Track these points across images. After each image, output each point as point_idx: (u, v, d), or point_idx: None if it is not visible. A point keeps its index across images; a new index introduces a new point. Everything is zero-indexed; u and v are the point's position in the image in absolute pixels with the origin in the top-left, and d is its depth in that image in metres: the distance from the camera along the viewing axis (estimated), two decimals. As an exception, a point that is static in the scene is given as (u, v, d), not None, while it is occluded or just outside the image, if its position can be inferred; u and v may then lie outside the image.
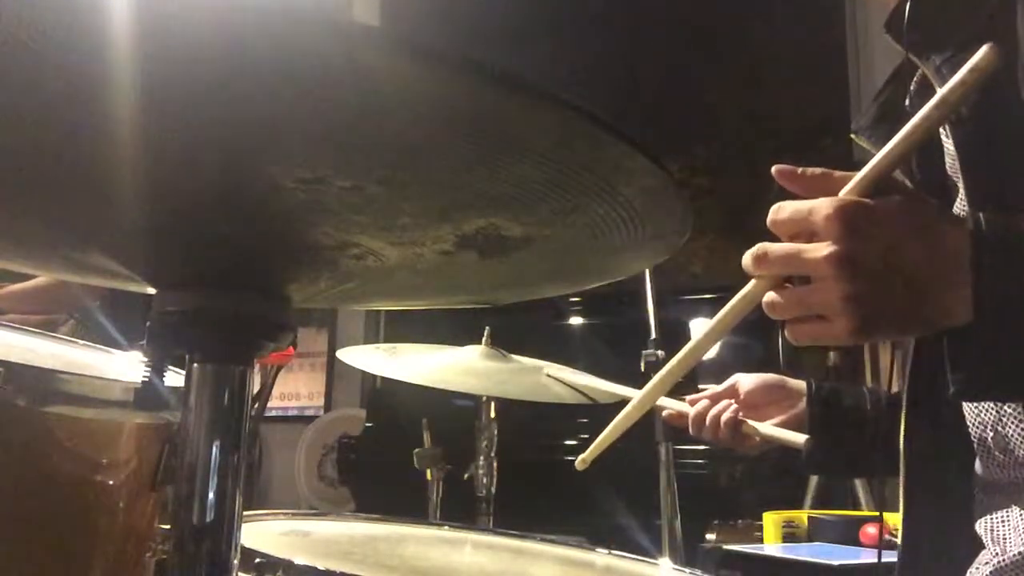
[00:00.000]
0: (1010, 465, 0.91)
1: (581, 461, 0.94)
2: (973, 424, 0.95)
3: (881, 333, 0.73)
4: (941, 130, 0.88)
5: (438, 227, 0.50)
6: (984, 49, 0.66)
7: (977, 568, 0.96)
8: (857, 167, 0.75)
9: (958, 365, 0.68)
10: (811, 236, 0.68)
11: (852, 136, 1.00)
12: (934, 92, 0.73)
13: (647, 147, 0.42)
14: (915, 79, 0.95)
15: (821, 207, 0.67)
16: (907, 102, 0.95)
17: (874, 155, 0.72)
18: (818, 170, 0.72)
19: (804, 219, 0.68)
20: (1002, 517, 0.94)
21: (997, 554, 0.93)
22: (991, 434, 0.94)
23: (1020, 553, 0.90)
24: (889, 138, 0.73)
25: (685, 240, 0.55)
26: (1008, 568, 0.91)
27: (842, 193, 0.69)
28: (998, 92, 0.78)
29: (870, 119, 0.98)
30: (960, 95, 0.67)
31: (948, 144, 0.92)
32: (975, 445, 0.96)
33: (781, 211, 0.70)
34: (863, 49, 3.72)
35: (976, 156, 0.84)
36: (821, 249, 0.66)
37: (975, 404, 0.94)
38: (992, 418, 0.93)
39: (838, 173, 0.72)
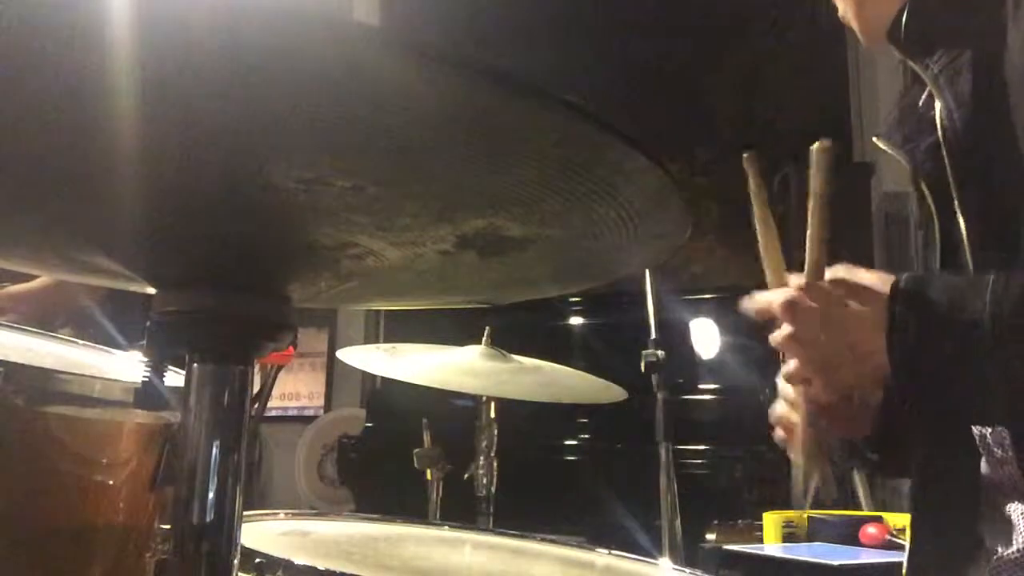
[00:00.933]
0: (1009, 461, 0.91)
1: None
2: (991, 432, 0.96)
3: (850, 386, 0.87)
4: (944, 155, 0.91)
5: (438, 227, 0.50)
6: (816, 147, 0.87)
7: (979, 566, 0.96)
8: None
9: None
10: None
11: (873, 139, 1.03)
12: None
13: (647, 147, 0.42)
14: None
15: (775, 300, 0.87)
16: (920, 104, 0.97)
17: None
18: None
19: (769, 310, 0.87)
20: (1005, 516, 0.94)
21: (999, 552, 0.93)
22: (989, 430, 0.95)
23: (1020, 550, 0.91)
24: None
25: (685, 240, 0.55)
26: (1008, 564, 0.92)
27: (804, 278, 0.88)
28: (991, 121, 0.85)
29: (891, 123, 1.02)
30: (822, 183, 0.87)
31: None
32: (977, 443, 0.96)
33: (754, 302, 0.89)
34: (863, 49, 3.72)
35: (970, 184, 0.89)
36: (782, 331, 0.86)
37: None
38: None
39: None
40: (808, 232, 0.90)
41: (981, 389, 0.78)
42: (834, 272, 0.88)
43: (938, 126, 0.90)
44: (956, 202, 0.89)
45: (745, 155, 0.94)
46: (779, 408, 0.99)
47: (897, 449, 1.21)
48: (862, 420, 1.12)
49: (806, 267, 0.90)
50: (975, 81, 0.87)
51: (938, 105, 0.91)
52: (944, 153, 0.90)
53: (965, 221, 0.89)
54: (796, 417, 0.97)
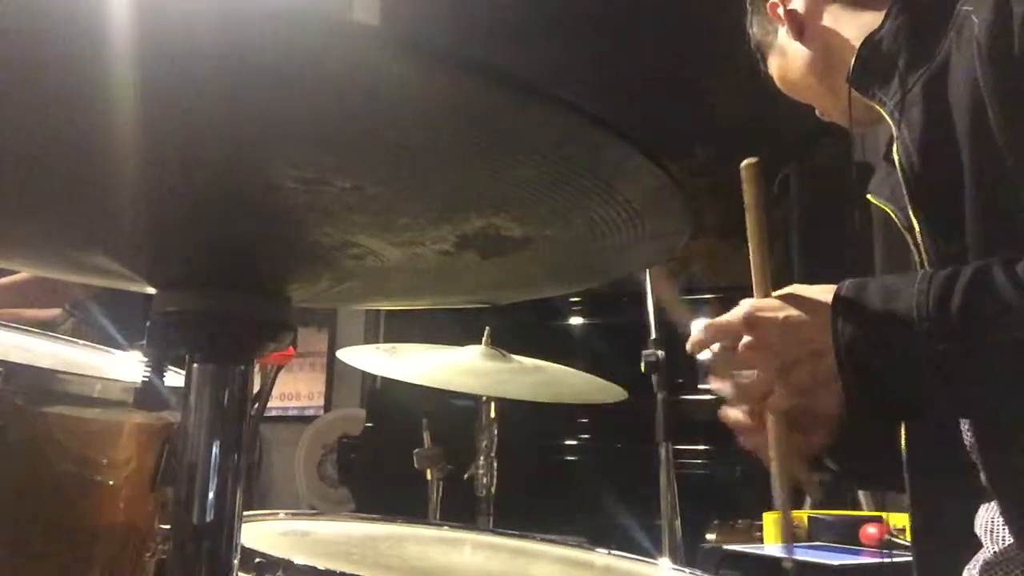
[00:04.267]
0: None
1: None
2: (965, 431, 0.97)
3: (808, 390, 0.90)
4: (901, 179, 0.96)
5: (438, 227, 0.50)
6: (744, 164, 0.94)
7: (975, 564, 0.97)
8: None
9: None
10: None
11: (868, 196, 1.09)
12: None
13: (647, 147, 0.42)
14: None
15: (736, 317, 0.94)
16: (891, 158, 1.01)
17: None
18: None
19: (732, 328, 0.94)
20: (1003, 520, 0.95)
21: (994, 551, 0.94)
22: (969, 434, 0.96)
23: (1009, 546, 0.92)
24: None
25: (685, 240, 0.55)
26: (999, 558, 0.93)
27: (755, 290, 0.97)
28: (940, 147, 0.90)
29: (878, 180, 1.07)
30: (753, 196, 0.95)
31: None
32: (970, 452, 0.97)
33: (714, 324, 0.96)
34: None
35: (923, 199, 0.95)
36: (744, 344, 0.92)
37: None
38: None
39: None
40: (750, 245, 0.98)
41: (918, 381, 0.82)
42: (786, 289, 0.96)
43: (895, 158, 0.93)
44: (916, 229, 0.93)
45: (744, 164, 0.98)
46: (732, 411, 1.04)
47: (856, 457, 1.25)
48: (822, 433, 1.15)
49: (754, 279, 0.98)
50: (925, 109, 0.91)
51: (895, 138, 0.94)
52: (902, 184, 0.93)
53: (923, 243, 0.94)
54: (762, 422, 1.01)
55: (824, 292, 0.90)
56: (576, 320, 3.76)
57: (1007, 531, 0.93)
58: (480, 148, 0.42)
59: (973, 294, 0.80)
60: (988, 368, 0.81)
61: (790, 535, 1.03)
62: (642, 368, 1.74)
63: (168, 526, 0.76)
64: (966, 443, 0.98)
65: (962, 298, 0.80)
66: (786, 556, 1.03)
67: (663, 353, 1.72)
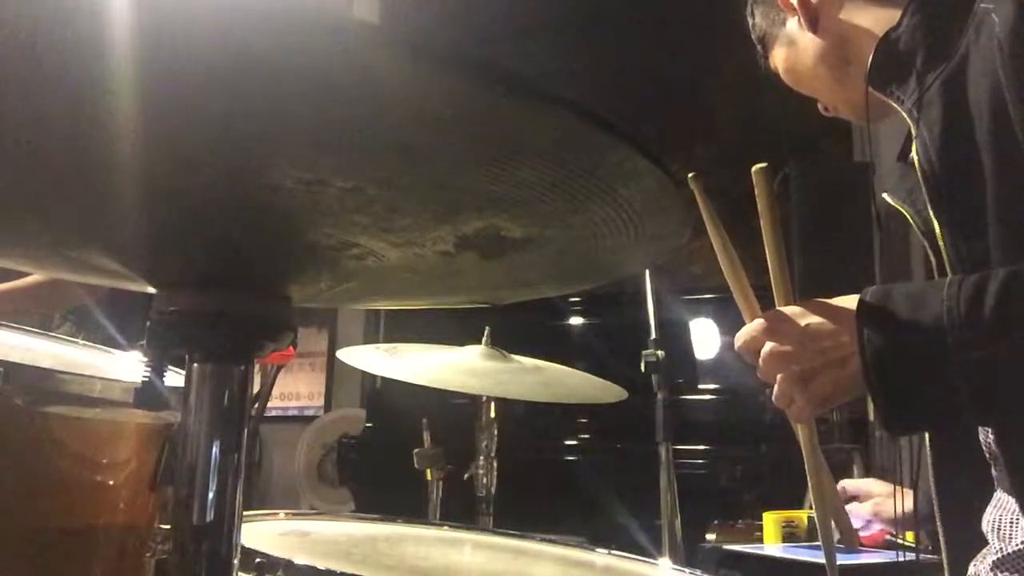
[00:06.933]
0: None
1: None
2: (982, 431, 0.97)
3: (829, 398, 0.90)
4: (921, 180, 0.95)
5: (438, 228, 0.50)
6: (753, 172, 0.94)
7: (983, 558, 0.97)
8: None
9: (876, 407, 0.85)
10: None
11: (883, 195, 1.07)
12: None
13: (648, 148, 0.42)
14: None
15: (757, 326, 0.94)
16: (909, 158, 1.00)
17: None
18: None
19: (755, 337, 0.93)
20: (1010, 519, 0.95)
21: (1001, 549, 0.94)
22: (992, 438, 0.96)
23: (1023, 542, 0.92)
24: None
25: (685, 241, 0.55)
26: (1010, 558, 0.93)
27: (776, 297, 0.97)
28: (956, 144, 0.90)
29: (895, 180, 1.06)
30: (766, 204, 0.94)
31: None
32: (986, 454, 0.98)
33: (739, 338, 0.95)
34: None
35: (943, 199, 0.93)
36: (765, 351, 0.91)
37: None
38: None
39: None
40: (767, 253, 0.96)
41: (949, 390, 0.80)
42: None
43: (914, 158, 0.93)
44: (936, 232, 0.92)
45: (690, 175, 0.96)
46: None
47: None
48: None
49: (774, 287, 0.97)
50: (944, 108, 0.90)
51: (913, 137, 0.94)
52: (921, 183, 0.92)
53: (944, 245, 0.93)
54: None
55: (845, 301, 0.88)
56: (576, 320, 3.76)
57: (1015, 530, 0.93)
58: (480, 149, 0.42)
59: (1006, 299, 0.77)
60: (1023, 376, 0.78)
61: (831, 548, 1.00)
62: (642, 368, 1.74)
63: (168, 526, 0.76)
64: (983, 443, 0.98)
65: (994, 303, 0.77)
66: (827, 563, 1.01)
67: (663, 353, 1.72)
